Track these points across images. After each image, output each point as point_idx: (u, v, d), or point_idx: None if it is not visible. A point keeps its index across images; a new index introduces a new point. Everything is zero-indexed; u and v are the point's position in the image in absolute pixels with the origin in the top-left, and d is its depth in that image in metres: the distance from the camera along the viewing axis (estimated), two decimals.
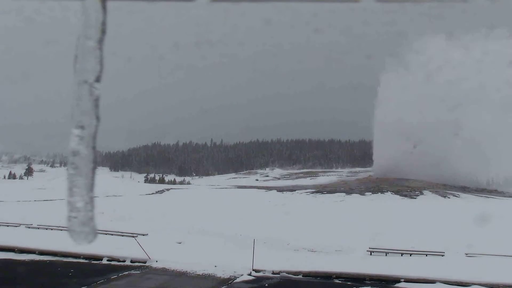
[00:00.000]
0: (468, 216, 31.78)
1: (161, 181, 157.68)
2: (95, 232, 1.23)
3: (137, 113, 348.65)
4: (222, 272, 17.15)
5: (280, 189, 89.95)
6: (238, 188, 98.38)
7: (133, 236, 21.66)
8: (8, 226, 25.97)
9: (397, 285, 16.21)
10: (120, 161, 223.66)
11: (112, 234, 22.09)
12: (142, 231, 24.29)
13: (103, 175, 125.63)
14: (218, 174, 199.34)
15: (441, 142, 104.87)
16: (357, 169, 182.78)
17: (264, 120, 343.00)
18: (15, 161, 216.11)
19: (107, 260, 18.74)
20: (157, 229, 26.29)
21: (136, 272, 17.01)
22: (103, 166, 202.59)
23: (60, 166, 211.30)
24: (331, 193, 78.45)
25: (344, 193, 77.27)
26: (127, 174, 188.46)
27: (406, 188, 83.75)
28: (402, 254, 20.91)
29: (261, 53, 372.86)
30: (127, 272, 16.85)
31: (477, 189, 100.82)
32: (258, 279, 16.59)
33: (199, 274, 16.84)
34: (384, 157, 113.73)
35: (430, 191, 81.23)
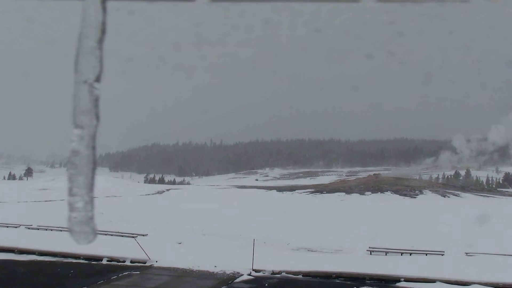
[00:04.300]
0: (468, 216, 31.80)
1: (161, 181, 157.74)
2: (95, 233, 1.23)
3: (137, 113, 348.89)
4: (222, 272, 17.14)
5: (280, 189, 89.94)
6: (237, 188, 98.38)
7: (133, 237, 21.65)
8: (8, 227, 25.96)
9: (397, 284, 16.20)
10: (120, 162, 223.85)
11: (112, 235, 22.08)
12: (142, 231, 24.29)
13: (103, 175, 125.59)
14: (218, 174, 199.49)
15: None
16: (357, 168, 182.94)
17: (264, 120, 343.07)
18: (15, 162, 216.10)
19: (107, 261, 18.73)
20: (157, 229, 26.30)
21: (136, 272, 17.00)
22: (102, 166, 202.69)
23: (60, 166, 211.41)
24: (331, 192, 78.44)
25: (344, 193, 77.27)
26: (127, 174, 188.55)
27: (406, 187, 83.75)
28: (402, 254, 20.92)
29: (261, 53, 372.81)
30: (127, 273, 16.84)
31: (477, 188, 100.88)
32: (258, 279, 16.59)
33: (199, 274, 16.84)
34: None
35: (430, 191, 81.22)
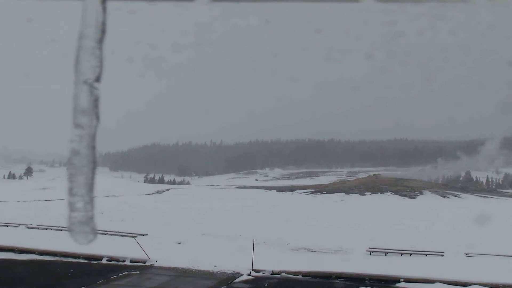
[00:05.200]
0: (468, 216, 31.80)
1: (161, 181, 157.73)
2: (94, 232, 1.23)
3: (137, 113, 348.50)
4: (222, 272, 17.15)
5: (280, 189, 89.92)
6: (237, 188, 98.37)
7: (132, 236, 21.65)
8: (8, 226, 25.96)
9: (397, 285, 16.21)
10: (120, 161, 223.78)
11: (111, 234, 22.08)
12: (142, 231, 24.29)
13: (103, 175, 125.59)
14: (218, 174, 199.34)
15: None
16: (357, 169, 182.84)
17: (264, 120, 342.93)
18: (15, 161, 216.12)
19: (107, 260, 18.73)
20: (157, 229, 26.29)
21: (135, 272, 17.00)
22: (102, 166, 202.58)
23: (60, 166, 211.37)
24: (331, 193, 78.43)
25: (344, 193, 77.27)
26: (126, 174, 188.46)
27: (405, 188, 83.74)
28: (402, 254, 20.91)
29: (261, 53, 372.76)
30: (126, 272, 16.84)
31: (476, 189, 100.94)
32: (257, 279, 16.59)
33: (198, 274, 16.83)
34: None
35: (429, 191, 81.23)
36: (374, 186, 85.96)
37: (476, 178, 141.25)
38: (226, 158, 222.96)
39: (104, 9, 1.14)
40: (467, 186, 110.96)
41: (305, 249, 22.78)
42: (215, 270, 17.39)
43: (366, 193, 76.87)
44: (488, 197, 78.62)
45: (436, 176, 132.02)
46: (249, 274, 17.09)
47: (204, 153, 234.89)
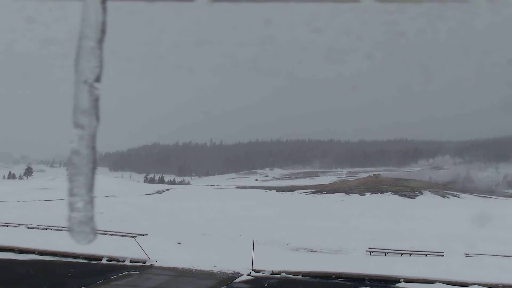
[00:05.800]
0: (468, 216, 31.80)
1: (161, 181, 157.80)
2: (94, 232, 1.23)
3: (137, 113, 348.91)
4: (222, 272, 17.15)
5: (280, 189, 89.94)
6: (237, 188, 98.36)
7: (132, 236, 21.64)
8: (8, 226, 25.95)
9: (396, 285, 16.21)
10: (119, 161, 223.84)
11: (111, 234, 22.07)
12: (142, 231, 24.29)
13: (103, 175, 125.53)
14: (218, 174, 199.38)
15: None
16: (357, 169, 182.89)
17: (264, 120, 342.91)
18: (15, 161, 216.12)
19: (107, 260, 18.73)
20: (157, 229, 26.29)
21: (135, 272, 17.00)
22: (102, 166, 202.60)
23: (60, 166, 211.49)
24: (331, 193, 78.45)
25: (344, 193, 77.30)
26: (126, 174, 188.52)
27: (405, 188, 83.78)
28: (401, 254, 20.92)
29: (261, 53, 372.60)
30: (126, 272, 16.83)
31: (476, 189, 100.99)
32: (257, 279, 16.59)
33: (198, 274, 16.83)
34: None
35: (429, 191, 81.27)
36: (374, 186, 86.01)
37: (476, 178, 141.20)
38: (226, 158, 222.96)
39: (104, 9, 1.14)
40: (467, 186, 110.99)
41: (305, 249, 22.79)
42: (215, 270, 17.39)
43: (366, 193, 76.92)
44: (488, 197, 78.64)
45: (432, 176, 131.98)
46: (249, 274, 17.09)
47: (204, 153, 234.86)
